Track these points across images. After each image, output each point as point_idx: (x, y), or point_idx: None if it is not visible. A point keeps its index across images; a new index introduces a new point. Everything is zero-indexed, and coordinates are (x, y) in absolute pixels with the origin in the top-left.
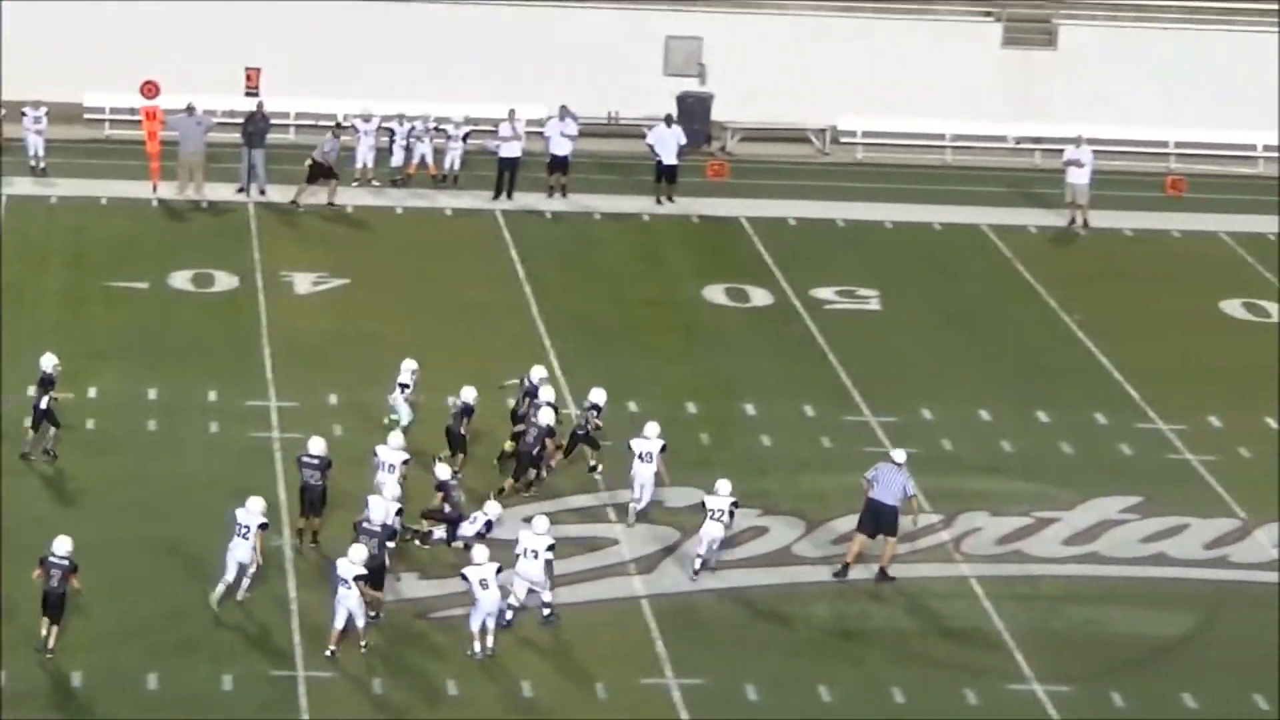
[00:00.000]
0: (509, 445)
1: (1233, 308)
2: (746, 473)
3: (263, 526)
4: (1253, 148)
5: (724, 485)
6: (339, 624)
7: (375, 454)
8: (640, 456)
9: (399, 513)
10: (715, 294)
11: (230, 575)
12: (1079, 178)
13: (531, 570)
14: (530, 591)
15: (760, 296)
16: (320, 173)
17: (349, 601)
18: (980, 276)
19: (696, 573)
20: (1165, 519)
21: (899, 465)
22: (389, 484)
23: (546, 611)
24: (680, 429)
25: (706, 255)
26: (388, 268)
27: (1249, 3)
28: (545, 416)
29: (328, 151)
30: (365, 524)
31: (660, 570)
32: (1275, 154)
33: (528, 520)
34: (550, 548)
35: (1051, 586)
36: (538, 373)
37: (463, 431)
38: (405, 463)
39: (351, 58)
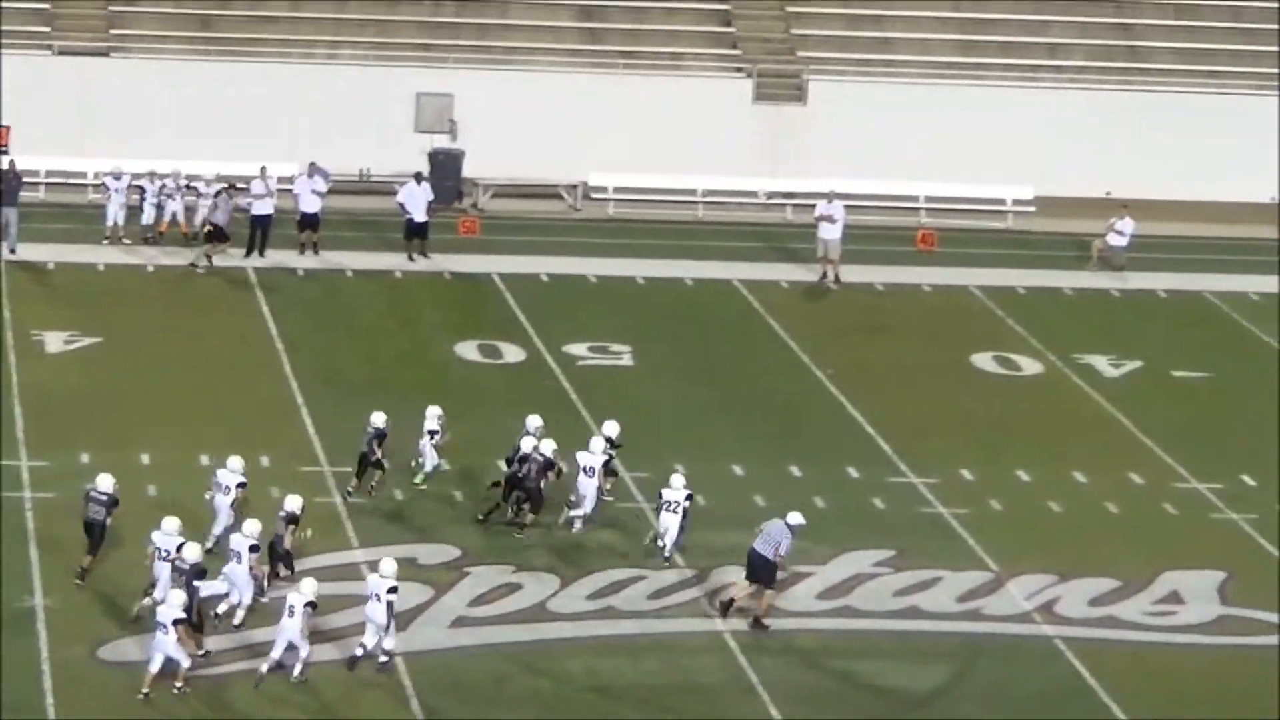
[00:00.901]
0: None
1: (984, 361)
2: (501, 529)
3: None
4: (1002, 201)
5: (678, 479)
6: (154, 667)
7: (215, 476)
8: (585, 470)
9: (252, 549)
10: (468, 350)
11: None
12: (830, 233)
13: (375, 613)
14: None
15: (513, 353)
16: (219, 235)
17: (165, 646)
18: (732, 331)
19: (667, 558)
20: (918, 572)
21: (790, 526)
22: (223, 507)
23: (383, 659)
24: (435, 486)
25: (459, 312)
26: (140, 326)
27: (995, 57)
28: (547, 448)
29: (219, 210)
30: (178, 561)
31: (413, 628)
32: (1026, 208)
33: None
34: (392, 590)
35: (805, 640)
36: (533, 421)
37: (377, 455)
38: (241, 486)
39: (102, 115)
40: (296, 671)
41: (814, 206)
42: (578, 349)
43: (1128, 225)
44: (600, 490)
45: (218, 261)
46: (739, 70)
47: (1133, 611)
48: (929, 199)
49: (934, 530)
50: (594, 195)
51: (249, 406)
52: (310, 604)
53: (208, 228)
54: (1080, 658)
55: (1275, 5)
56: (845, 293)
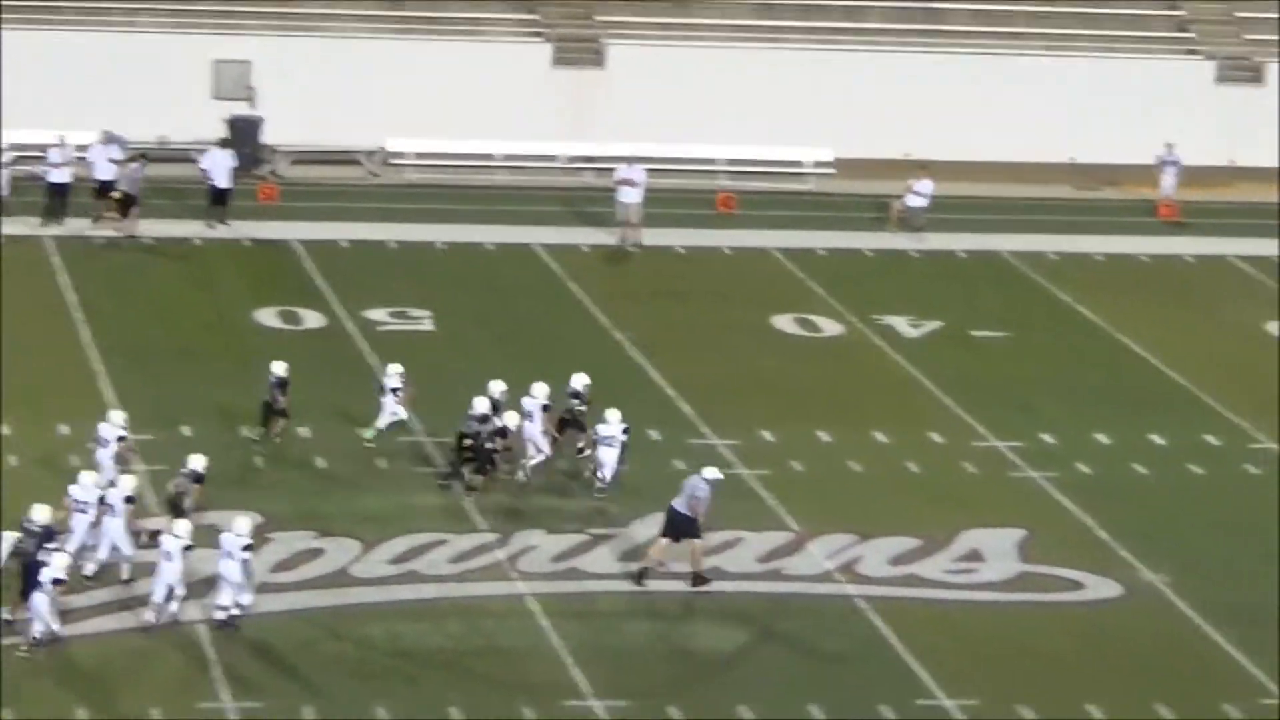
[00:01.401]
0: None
1: (784, 323)
2: (303, 494)
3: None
4: (802, 164)
5: (614, 414)
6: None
7: (97, 431)
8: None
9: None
10: (268, 317)
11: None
12: (631, 196)
13: (229, 571)
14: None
15: (313, 319)
16: (130, 201)
17: (40, 606)
18: (533, 295)
19: (600, 492)
20: (719, 533)
21: (709, 481)
22: (104, 461)
23: (226, 614)
24: (235, 453)
25: (259, 279)
26: None
27: (793, 20)
28: (509, 419)
29: (134, 179)
30: (25, 523)
31: (216, 593)
32: (825, 170)
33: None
34: (247, 548)
35: (609, 603)
36: (579, 380)
37: (281, 403)
38: (121, 440)
39: None
40: (224, 615)
41: (614, 170)
42: (378, 315)
43: (926, 186)
44: (547, 436)
45: (9, 230)
46: (538, 35)
47: (933, 570)
48: (729, 162)
49: (735, 491)
50: (393, 161)
51: (48, 376)
52: (188, 546)
53: (117, 195)
54: (882, 616)
55: None
56: (646, 256)
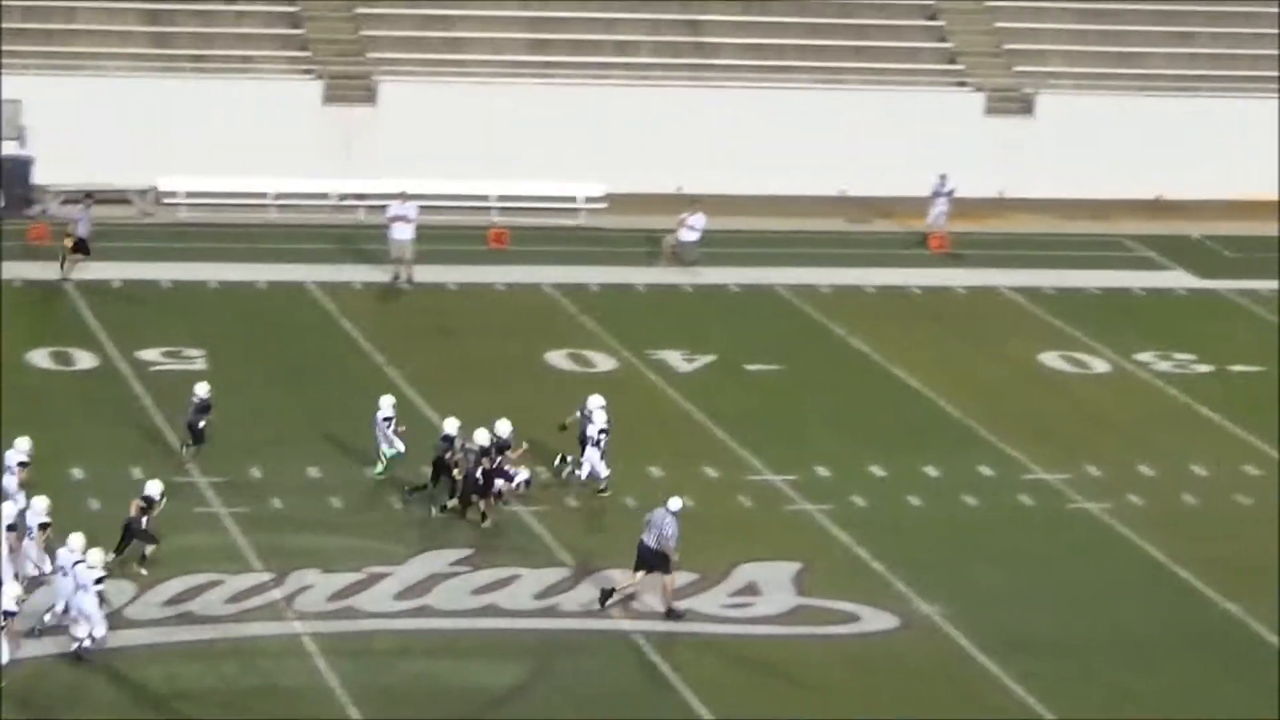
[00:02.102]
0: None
1: (558, 359)
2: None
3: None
4: (574, 199)
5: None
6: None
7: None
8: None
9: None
10: (40, 359)
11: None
12: (404, 233)
13: (84, 603)
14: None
15: (85, 360)
16: (82, 248)
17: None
18: (307, 334)
19: (603, 491)
20: (496, 570)
21: (673, 513)
22: (11, 488)
23: (80, 645)
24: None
25: (30, 320)
26: None
27: (565, 55)
28: (480, 438)
29: (80, 221)
30: None
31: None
32: (597, 205)
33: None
34: (99, 580)
35: (384, 641)
36: (595, 401)
37: (200, 425)
38: (22, 465)
39: None
40: (76, 645)
41: (386, 207)
42: (151, 355)
43: (699, 220)
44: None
45: None
46: (309, 72)
47: (710, 604)
48: (500, 198)
49: (511, 528)
50: (165, 200)
51: None
52: (100, 579)
53: (70, 240)
54: (659, 651)
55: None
56: (419, 293)
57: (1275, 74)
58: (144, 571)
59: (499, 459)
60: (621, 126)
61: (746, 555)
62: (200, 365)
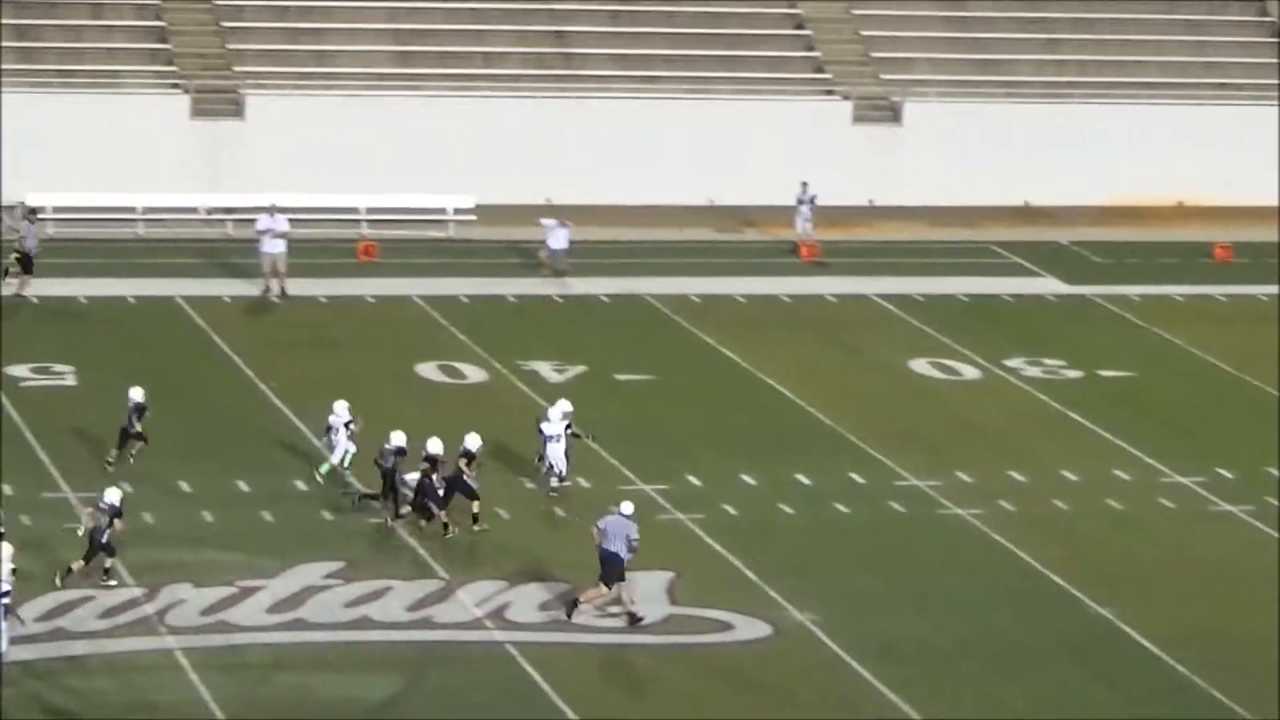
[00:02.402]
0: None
1: (429, 370)
2: None
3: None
4: (444, 211)
5: (555, 412)
6: None
7: None
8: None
9: None
10: None
11: None
12: (275, 247)
13: None
14: None
15: None
16: (28, 265)
17: None
18: (177, 348)
19: (555, 490)
20: (369, 583)
21: (627, 517)
22: None
23: None
24: None
25: None
26: None
27: (432, 68)
28: (433, 446)
29: (26, 237)
30: None
31: None
32: (467, 217)
33: None
34: (5, 593)
35: (258, 655)
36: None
37: (137, 428)
38: None
39: None
40: None
41: (255, 221)
42: (20, 371)
43: (561, 228)
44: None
45: None
46: (176, 86)
47: (583, 614)
48: (369, 210)
49: (382, 540)
50: (35, 216)
51: None
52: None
53: (16, 255)
54: (532, 662)
55: (705, 9)
56: (289, 306)
57: (1141, 80)
58: (114, 582)
59: (463, 470)
60: (490, 138)
61: None
62: (70, 381)
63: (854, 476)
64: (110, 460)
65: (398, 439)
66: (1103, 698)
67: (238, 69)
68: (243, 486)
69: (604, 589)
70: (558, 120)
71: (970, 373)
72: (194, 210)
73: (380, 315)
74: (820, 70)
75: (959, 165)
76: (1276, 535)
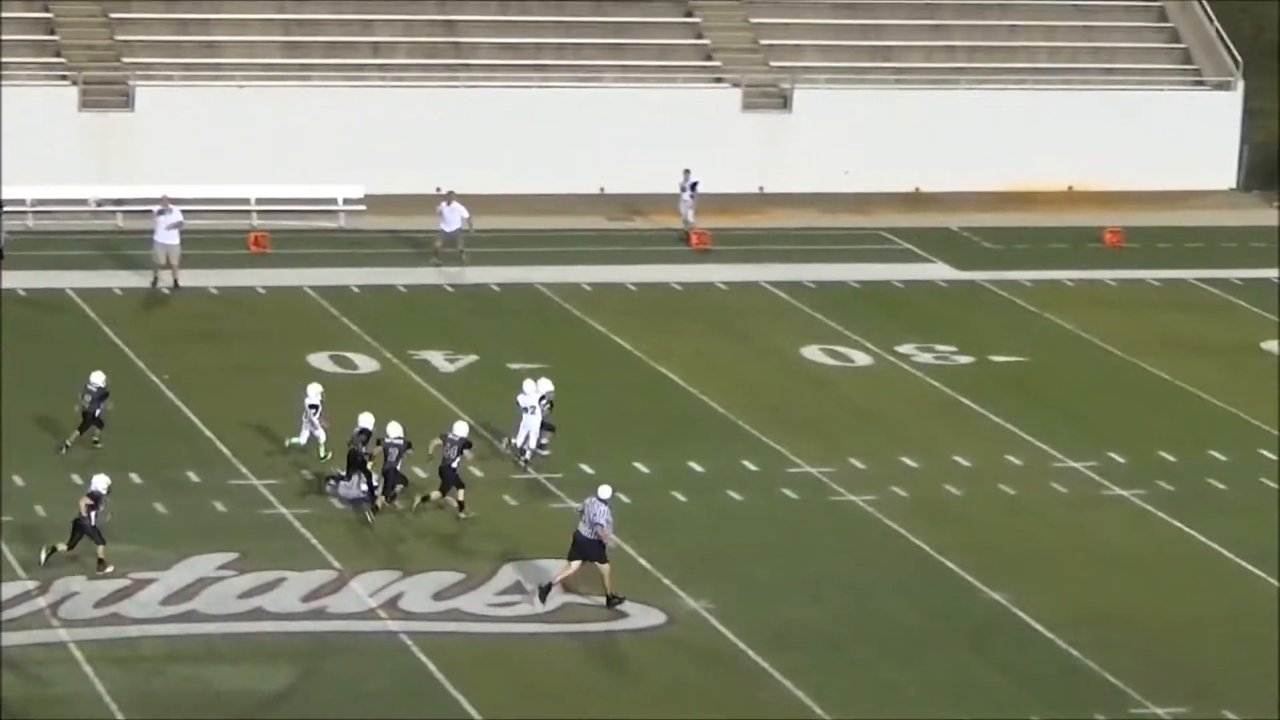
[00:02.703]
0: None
1: (320, 361)
2: None
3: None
4: (334, 201)
5: (530, 385)
6: None
7: None
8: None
9: None
10: None
11: None
12: (167, 238)
13: None
14: None
15: None
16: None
17: None
18: (68, 340)
19: (526, 462)
20: (262, 574)
21: (604, 500)
22: None
23: None
24: None
25: None
26: None
27: (321, 58)
28: (460, 430)
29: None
30: None
31: None
32: (357, 207)
33: None
34: None
35: (152, 647)
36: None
37: (98, 413)
38: None
39: None
40: None
41: (147, 212)
42: None
43: (457, 211)
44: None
45: None
46: (64, 78)
47: (476, 604)
48: (260, 201)
49: (277, 531)
50: None
51: None
52: None
53: None
54: (427, 652)
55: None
56: (181, 298)
57: (1030, 66)
58: (110, 569)
59: (458, 457)
60: (379, 128)
61: (512, 554)
62: None
63: (747, 464)
64: (66, 445)
65: (365, 421)
66: (997, 682)
67: (126, 60)
68: (135, 479)
69: (571, 567)
70: (447, 110)
71: (862, 359)
72: (84, 202)
73: (271, 306)
74: (709, 58)
75: (849, 152)
76: (1168, 519)
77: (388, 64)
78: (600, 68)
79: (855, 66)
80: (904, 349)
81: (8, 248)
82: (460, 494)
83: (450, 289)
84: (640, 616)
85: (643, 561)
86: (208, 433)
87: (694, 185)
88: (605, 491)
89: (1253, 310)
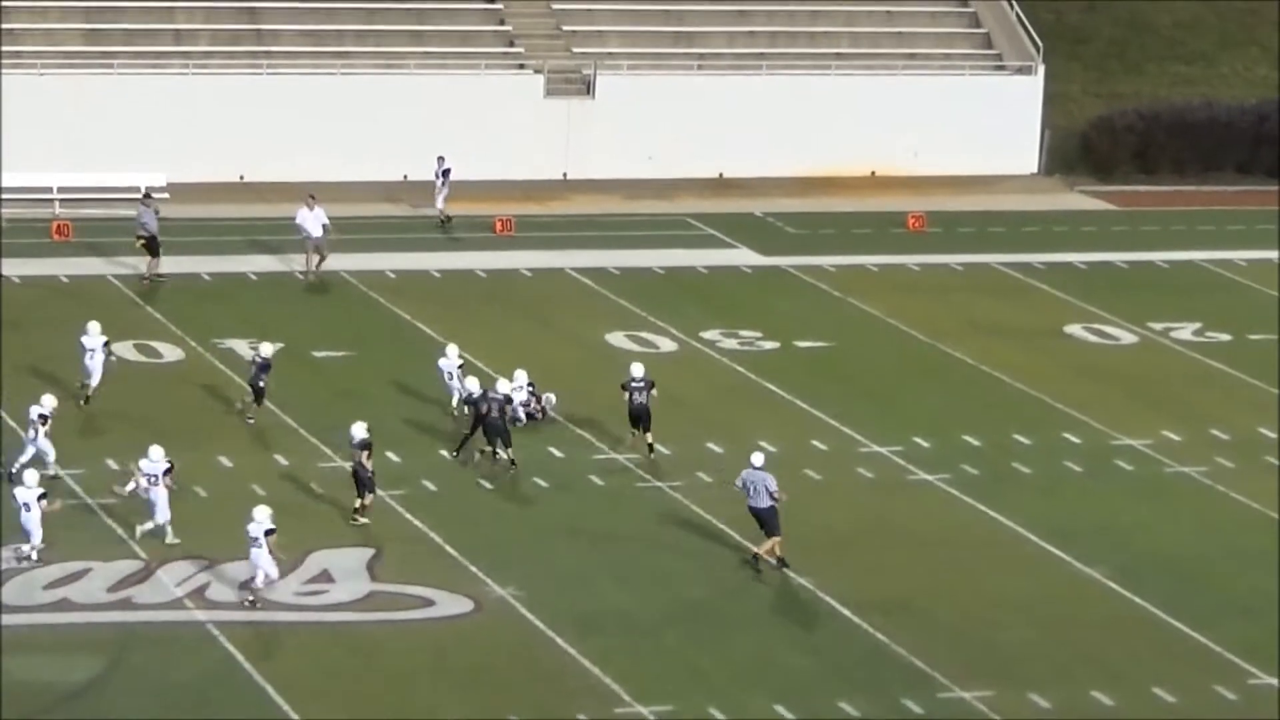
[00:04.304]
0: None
1: (125, 350)
2: None
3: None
4: (137, 189)
5: (520, 375)
6: None
7: None
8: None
9: None
10: None
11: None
12: None
13: None
14: None
15: None
16: (153, 247)
17: None
18: None
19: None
20: (66, 564)
21: (759, 468)
22: None
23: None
24: None
25: None
26: None
27: (121, 45)
28: (504, 386)
29: (146, 223)
30: None
31: None
32: (159, 195)
33: None
34: None
35: None
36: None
37: (261, 384)
38: None
39: None
40: None
41: None
42: None
43: (317, 213)
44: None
45: None
46: None
47: (284, 592)
48: (62, 189)
49: (82, 521)
50: None
51: None
52: None
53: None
54: (234, 641)
55: None
56: None
57: (832, 51)
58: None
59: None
60: (182, 116)
61: (319, 543)
62: None
63: (553, 450)
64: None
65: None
66: (802, 665)
67: None
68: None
69: (772, 541)
70: (250, 97)
71: (667, 345)
72: None
73: (75, 295)
74: (512, 44)
75: (652, 138)
76: (972, 502)
77: (190, 50)
78: (402, 55)
79: (658, 52)
80: (709, 334)
81: None
82: (368, 498)
83: (254, 276)
84: (447, 604)
85: (449, 549)
86: (12, 424)
87: (446, 172)
88: (759, 459)
89: (1055, 294)
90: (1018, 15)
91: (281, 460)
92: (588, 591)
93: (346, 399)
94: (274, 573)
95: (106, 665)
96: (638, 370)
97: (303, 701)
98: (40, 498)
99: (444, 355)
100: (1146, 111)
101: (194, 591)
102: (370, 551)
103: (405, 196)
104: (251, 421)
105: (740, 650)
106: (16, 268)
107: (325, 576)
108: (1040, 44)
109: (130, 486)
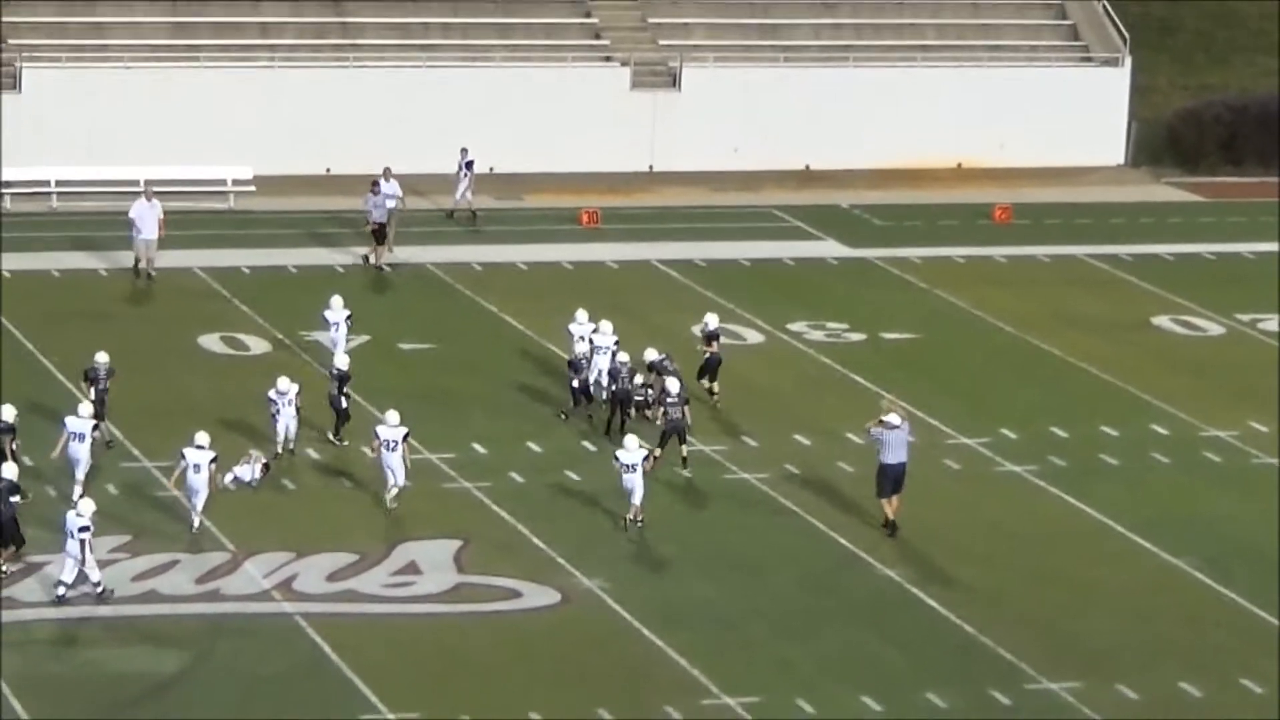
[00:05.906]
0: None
1: (211, 342)
2: None
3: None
4: (223, 182)
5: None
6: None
7: None
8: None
9: None
10: None
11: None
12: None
13: (73, 549)
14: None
15: None
16: (380, 234)
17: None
18: None
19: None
20: (155, 555)
21: (898, 426)
22: None
23: (99, 590)
24: None
25: None
26: None
27: (208, 39)
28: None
29: (373, 209)
30: None
31: None
32: (246, 188)
33: None
34: (84, 529)
35: (45, 630)
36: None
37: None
38: None
39: None
40: (98, 590)
41: (50, 197)
42: None
43: (391, 188)
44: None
45: None
46: None
47: (371, 584)
48: (149, 183)
49: (170, 513)
50: None
51: None
52: (84, 529)
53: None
54: (321, 633)
55: None
56: (68, 279)
57: (918, 43)
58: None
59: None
60: (268, 109)
61: (407, 534)
62: None
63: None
64: (338, 439)
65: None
66: (890, 656)
67: (13, 42)
68: (27, 461)
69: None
70: (335, 90)
71: (754, 337)
72: None
73: (162, 287)
74: (598, 37)
75: (738, 129)
76: (1060, 494)
77: (276, 44)
78: (489, 48)
79: (743, 44)
80: (795, 327)
81: None
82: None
83: (340, 269)
84: (534, 596)
85: (537, 541)
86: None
87: (470, 164)
88: (894, 419)
89: (1142, 285)
90: (1104, 7)
91: (368, 452)
92: (675, 583)
93: (431, 391)
94: (96, 574)
95: (195, 657)
96: (674, 386)
97: (389, 693)
98: (95, 429)
99: (598, 331)
100: (1233, 103)
101: (281, 583)
102: (458, 543)
103: (491, 189)
104: (344, 443)
105: (827, 642)
106: (102, 260)
107: (413, 568)
108: (1127, 36)
109: (229, 478)
